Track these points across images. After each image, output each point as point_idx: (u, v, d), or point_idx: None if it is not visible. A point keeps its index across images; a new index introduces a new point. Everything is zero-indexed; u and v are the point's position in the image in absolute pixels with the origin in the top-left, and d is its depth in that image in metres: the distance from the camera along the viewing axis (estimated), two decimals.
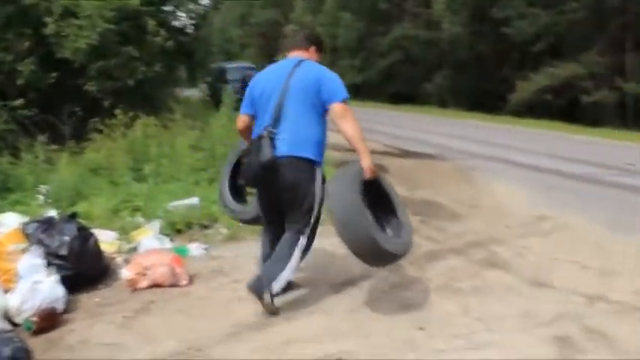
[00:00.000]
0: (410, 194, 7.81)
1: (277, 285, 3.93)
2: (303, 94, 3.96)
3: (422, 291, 4.39)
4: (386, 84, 36.64)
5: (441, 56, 33.83)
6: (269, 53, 50.34)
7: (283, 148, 3.92)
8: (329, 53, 41.85)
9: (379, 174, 4.03)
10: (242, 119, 4.24)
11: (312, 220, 4.07)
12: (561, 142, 14.88)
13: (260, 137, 3.96)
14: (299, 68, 4.03)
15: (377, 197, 4.03)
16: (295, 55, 4.20)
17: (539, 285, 4.57)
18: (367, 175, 3.85)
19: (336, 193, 3.76)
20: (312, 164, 3.97)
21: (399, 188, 8.07)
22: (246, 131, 4.20)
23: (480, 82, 30.76)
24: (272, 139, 3.92)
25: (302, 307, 4.08)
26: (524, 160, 11.34)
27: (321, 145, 4.04)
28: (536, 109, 25.31)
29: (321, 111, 3.99)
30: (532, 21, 25.80)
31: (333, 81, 3.99)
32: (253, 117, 4.15)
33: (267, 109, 4.01)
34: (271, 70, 4.21)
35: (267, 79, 4.12)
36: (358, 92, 38.69)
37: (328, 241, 5.45)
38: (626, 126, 22.48)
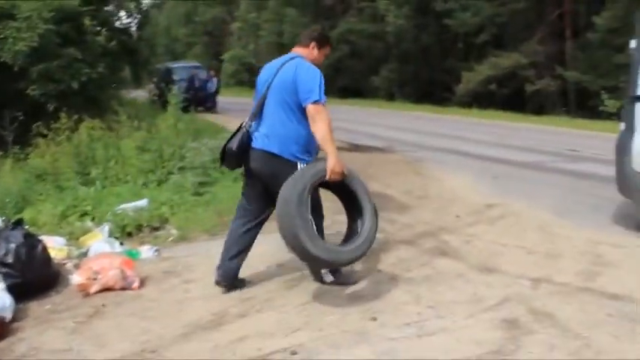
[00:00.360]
0: None
1: (324, 272, 4.37)
2: (281, 91, 4.07)
3: (373, 282, 4.47)
4: (334, 78, 36.73)
5: (387, 49, 34.13)
6: (215, 51, 50.01)
7: (259, 142, 4.13)
8: (276, 50, 41.94)
9: (348, 176, 4.03)
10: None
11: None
12: (508, 131, 15.24)
13: (239, 128, 4.23)
14: (285, 66, 4.14)
15: (351, 199, 4.13)
16: (295, 51, 4.32)
17: (487, 271, 4.70)
18: (328, 175, 3.91)
19: (284, 186, 3.85)
20: (286, 160, 4.04)
21: None
22: None
23: (427, 74, 31.22)
24: (248, 132, 4.17)
25: (254, 304, 4.11)
26: (472, 150, 11.58)
27: (300, 142, 4.08)
28: (482, 99, 25.79)
29: (300, 110, 4.04)
30: (475, 12, 26.27)
31: (309, 81, 4.01)
32: None
33: (255, 103, 4.22)
34: (269, 64, 4.33)
35: (263, 74, 4.29)
36: None
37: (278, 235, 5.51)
38: (568, 113, 23.15)
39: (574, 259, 4.98)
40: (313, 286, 4.42)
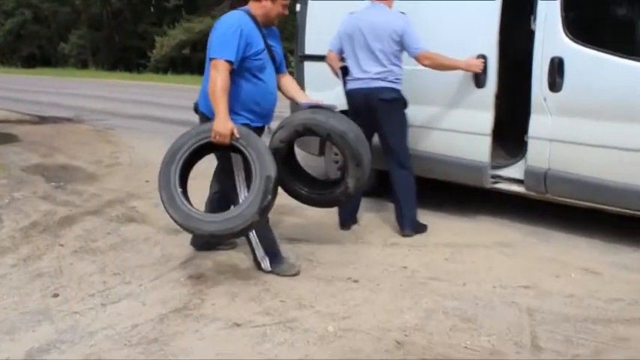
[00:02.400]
0: (44, 161, 7.47)
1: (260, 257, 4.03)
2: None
3: (55, 258, 4.25)
4: (17, 46, 33.86)
5: (75, 14, 32.32)
6: None
7: None
8: None
9: (241, 141, 3.64)
10: None
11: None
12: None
13: None
14: None
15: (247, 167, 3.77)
16: (248, 5, 3.94)
17: (176, 232, 4.75)
18: (213, 136, 3.62)
19: None
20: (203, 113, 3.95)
21: (32, 155, 7.72)
22: None
23: (120, 40, 30.33)
24: None
25: None
26: (166, 115, 11.61)
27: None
28: (178, 65, 25.87)
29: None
30: None
31: (213, 36, 3.79)
32: None
33: None
34: None
35: None
36: None
37: None
38: None
39: None
40: None
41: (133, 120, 11.17)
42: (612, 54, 4.16)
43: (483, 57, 4.66)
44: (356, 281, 3.84)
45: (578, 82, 4.29)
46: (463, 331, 3.18)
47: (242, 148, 3.65)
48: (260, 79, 3.87)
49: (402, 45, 4.55)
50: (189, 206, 3.69)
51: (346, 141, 3.82)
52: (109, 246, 4.49)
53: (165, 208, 3.71)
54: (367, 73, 4.61)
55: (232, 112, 3.72)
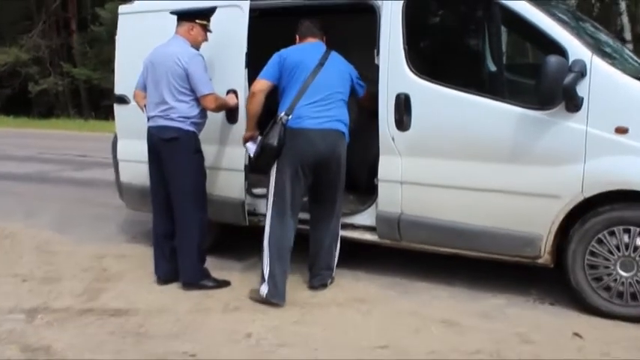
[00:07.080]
0: None
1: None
2: (339, 81, 4.65)
3: None
4: None
5: None
6: None
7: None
8: None
9: None
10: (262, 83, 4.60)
11: None
12: (10, 139, 14.78)
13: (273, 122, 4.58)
14: (331, 57, 4.64)
15: None
16: (314, 40, 4.72)
17: None
18: None
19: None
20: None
21: None
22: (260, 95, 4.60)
23: None
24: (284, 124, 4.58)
25: None
26: None
27: None
28: None
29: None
30: None
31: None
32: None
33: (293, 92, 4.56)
34: (302, 51, 4.67)
35: (302, 58, 4.59)
36: None
37: None
38: (81, 114, 23.56)
39: (76, 278, 5.06)
40: None
41: None
42: (460, 90, 4.37)
43: (234, 92, 4.95)
44: (193, 355, 3.72)
45: (426, 120, 4.47)
46: None
47: None
48: None
49: (189, 82, 4.68)
50: None
51: None
52: None
53: None
54: (153, 111, 4.79)
55: None
